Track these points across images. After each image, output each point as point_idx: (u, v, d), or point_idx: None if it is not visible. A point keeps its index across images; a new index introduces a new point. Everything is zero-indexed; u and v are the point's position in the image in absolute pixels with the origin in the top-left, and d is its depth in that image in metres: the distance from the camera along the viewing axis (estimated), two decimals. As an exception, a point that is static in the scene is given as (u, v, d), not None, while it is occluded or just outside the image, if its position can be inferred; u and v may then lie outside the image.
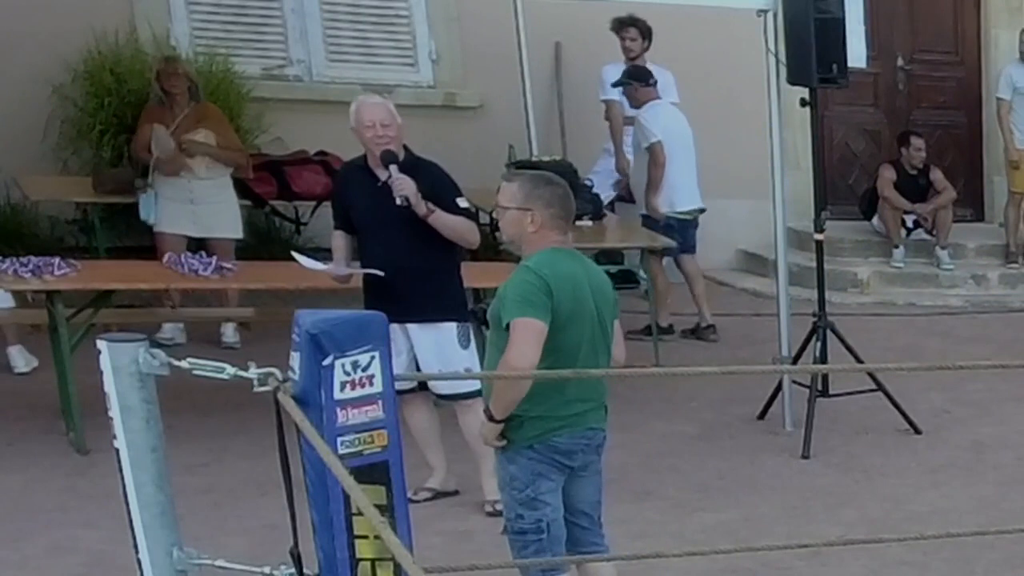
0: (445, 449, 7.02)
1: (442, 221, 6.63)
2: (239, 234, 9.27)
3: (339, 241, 6.88)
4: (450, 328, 6.73)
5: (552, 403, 5.07)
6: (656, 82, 10.15)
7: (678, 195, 10.01)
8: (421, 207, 6.55)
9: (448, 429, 6.97)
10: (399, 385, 6.69)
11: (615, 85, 10.25)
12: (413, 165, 6.67)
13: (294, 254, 7.08)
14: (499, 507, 6.72)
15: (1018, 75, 11.64)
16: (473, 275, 7.23)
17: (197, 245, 8.76)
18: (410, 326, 6.66)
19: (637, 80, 10.13)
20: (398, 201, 6.53)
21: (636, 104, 10.15)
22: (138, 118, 9.29)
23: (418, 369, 6.66)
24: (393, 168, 6.56)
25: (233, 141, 9.29)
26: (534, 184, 5.20)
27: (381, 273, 6.61)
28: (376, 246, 6.67)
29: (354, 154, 10.00)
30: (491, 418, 5.08)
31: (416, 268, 6.58)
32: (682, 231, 9.96)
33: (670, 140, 9.92)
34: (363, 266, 6.73)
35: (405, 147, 6.71)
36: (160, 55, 9.58)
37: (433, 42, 11.14)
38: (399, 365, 6.64)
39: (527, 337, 4.92)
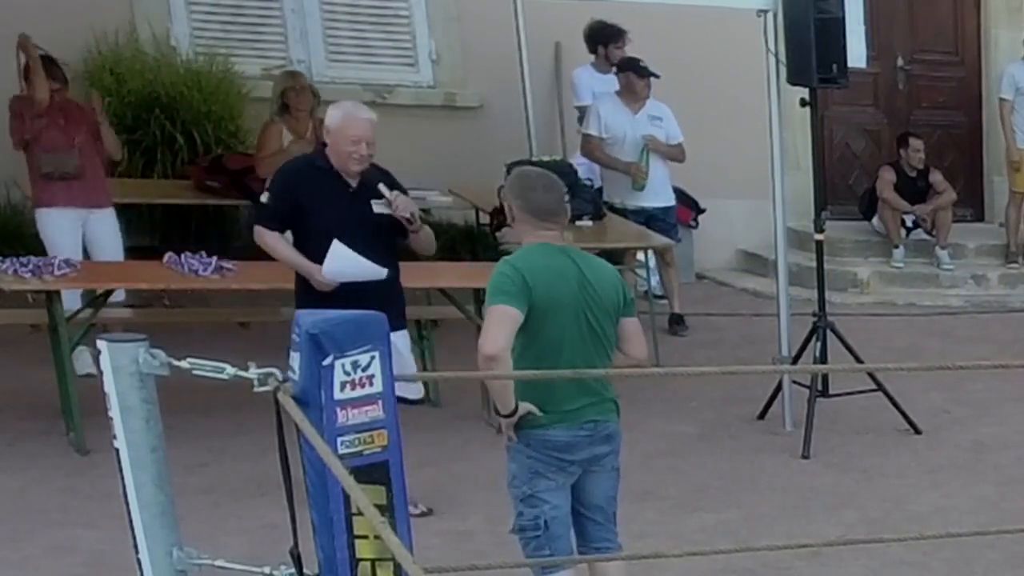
0: (444, 449, 6.99)
1: (425, 233, 6.59)
2: None
3: (287, 246, 6.50)
4: (406, 333, 6.72)
5: (542, 399, 5.08)
6: None
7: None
8: (417, 223, 6.47)
9: (447, 430, 6.95)
10: None
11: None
12: (383, 174, 6.52)
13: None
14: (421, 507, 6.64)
15: (1020, 75, 11.62)
16: (469, 275, 7.21)
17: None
18: None
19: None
20: (405, 215, 6.39)
21: (638, 99, 10.08)
22: (138, 118, 9.28)
23: None
24: (383, 187, 6.39)
25: None
26: (516, 178, 5.30)
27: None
28: None
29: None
30: (500, 414, 5.10)
31: (389, 276, 6.43)
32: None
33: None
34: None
35: None
36: (289, 72, 9.41)
37: (433, 42, 11.13)
38: None
39: (495, 321, 4.96)
